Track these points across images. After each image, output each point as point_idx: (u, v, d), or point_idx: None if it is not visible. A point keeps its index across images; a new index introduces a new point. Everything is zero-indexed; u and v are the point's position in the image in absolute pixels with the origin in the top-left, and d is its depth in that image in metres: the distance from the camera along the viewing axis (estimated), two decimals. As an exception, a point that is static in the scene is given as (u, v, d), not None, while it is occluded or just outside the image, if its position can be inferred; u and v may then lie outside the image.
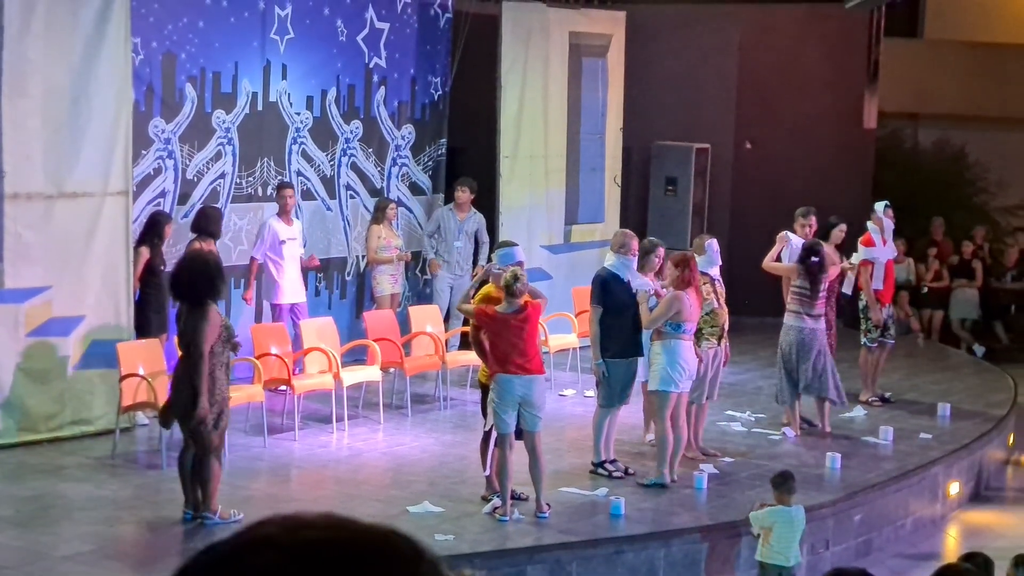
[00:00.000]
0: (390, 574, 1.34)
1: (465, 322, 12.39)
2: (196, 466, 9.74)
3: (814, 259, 12.62)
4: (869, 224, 14.27)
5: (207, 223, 12.78)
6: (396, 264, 14.75)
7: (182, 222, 13.11)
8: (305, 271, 14.04)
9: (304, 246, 13.96)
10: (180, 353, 9.88)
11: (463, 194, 15.22)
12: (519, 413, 9.95)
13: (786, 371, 12.71)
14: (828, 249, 13.08)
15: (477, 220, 15.33)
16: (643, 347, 11.22)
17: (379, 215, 14.72)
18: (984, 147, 21.73)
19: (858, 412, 13.77)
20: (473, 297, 10.48)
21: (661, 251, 11.58)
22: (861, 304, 14.21)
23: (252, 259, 13.69)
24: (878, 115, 20.10)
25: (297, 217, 14.08)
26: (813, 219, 13.42)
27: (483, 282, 10.70)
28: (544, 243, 16.43)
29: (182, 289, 9.82)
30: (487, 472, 10.31)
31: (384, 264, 14.65)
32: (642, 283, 11.26)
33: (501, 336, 9.93)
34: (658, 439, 11.01)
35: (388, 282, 14.72)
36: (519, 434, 10.04)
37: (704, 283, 11.42)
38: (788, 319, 12.77)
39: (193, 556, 1.37)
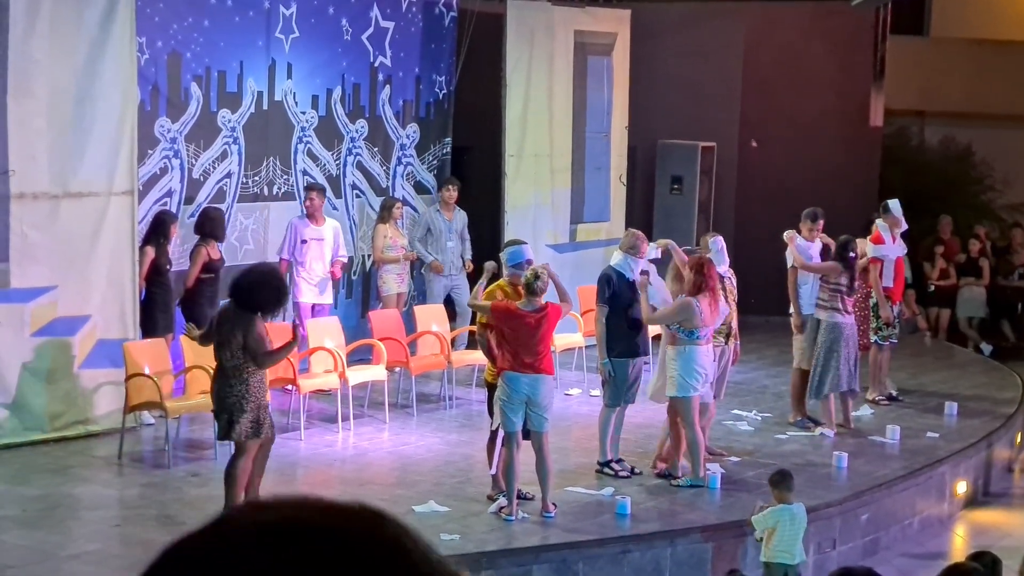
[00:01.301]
0: (362, 550, 1.34)
1: (472, 320, 12.37)
2: (227, 466, 9.63)
3: (852, 254, 12.71)
4: (879, 222, 14.30)
5: (211, 226, 12.75)
6: (402, 263, 14.72)
7: (188, 222, 13.10)
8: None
9: (336, 247, 13.86)
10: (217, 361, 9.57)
11: (451, 193, 15.11)
12: (526, 413, 9.93)
13: (823, 368, 12.70)
14: (863, 245, 13.45)
15: (462, 218, 15.24)
16: (647, 346, 11.17)
17: (385, 214, 14.67)
18: (990, 145, 21.69)
19: (865, 411, 13.75)
20: (483, 294, 10.38)
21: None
22: (871, 301, 14.20)
23: (281, 259, 13.64)
24: (884, 113, 20.08)
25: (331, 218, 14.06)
26: (821, 223, 13.41)
27: (491, 279, 10.62)
28: (549, 242, 16.39)
29: (247, 295, 9.49)
30: (493, 471, 10.30)
31: (390, 263, 14.62)
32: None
33: (516, 332, 9.88)
34: (689, 443, 10.95)
35: (394, 281, 14.69)
36: (526, 434, 10.02)
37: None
38: (825, 316, 12.74)
39: (161, 548, 1.35)
